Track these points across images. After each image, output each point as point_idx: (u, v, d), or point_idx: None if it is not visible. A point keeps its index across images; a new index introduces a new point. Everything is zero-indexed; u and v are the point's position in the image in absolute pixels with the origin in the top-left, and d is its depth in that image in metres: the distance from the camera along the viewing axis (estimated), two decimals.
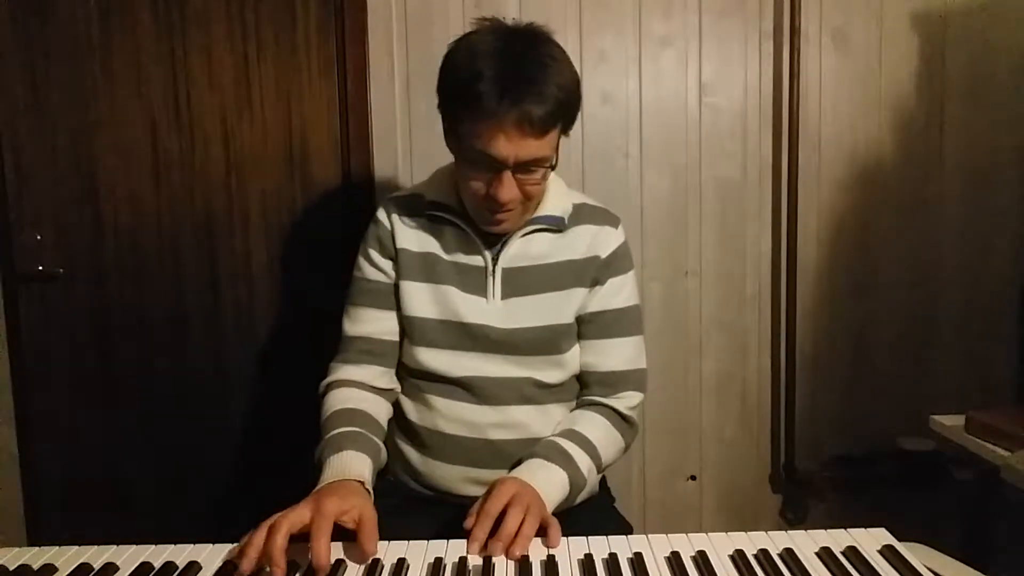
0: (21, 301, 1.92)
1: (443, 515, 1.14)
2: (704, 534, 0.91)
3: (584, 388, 1.26)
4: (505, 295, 1.20)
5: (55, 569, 0.86)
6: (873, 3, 1.92)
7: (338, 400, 1.16)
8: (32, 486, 1.97)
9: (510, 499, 0.95)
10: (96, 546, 0.91)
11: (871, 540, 0.90)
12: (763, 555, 0.86)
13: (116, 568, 0.87)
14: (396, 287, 1.23)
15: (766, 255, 1.98)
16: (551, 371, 1.21)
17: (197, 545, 0.91)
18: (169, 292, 1.93)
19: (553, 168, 1.13)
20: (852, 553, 0.87)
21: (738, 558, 0.85)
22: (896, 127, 1.96)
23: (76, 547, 0.91)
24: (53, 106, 1.87)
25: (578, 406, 1.26)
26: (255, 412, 1.97)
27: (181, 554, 0.89)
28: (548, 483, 1.05)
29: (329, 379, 1.23)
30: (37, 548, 0.91)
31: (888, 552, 0.87)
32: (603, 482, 1.38)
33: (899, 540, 0.90)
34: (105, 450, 1.97)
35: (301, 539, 0.86)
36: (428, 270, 1.21)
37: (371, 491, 1.00)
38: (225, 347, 1.95)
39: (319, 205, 1.93)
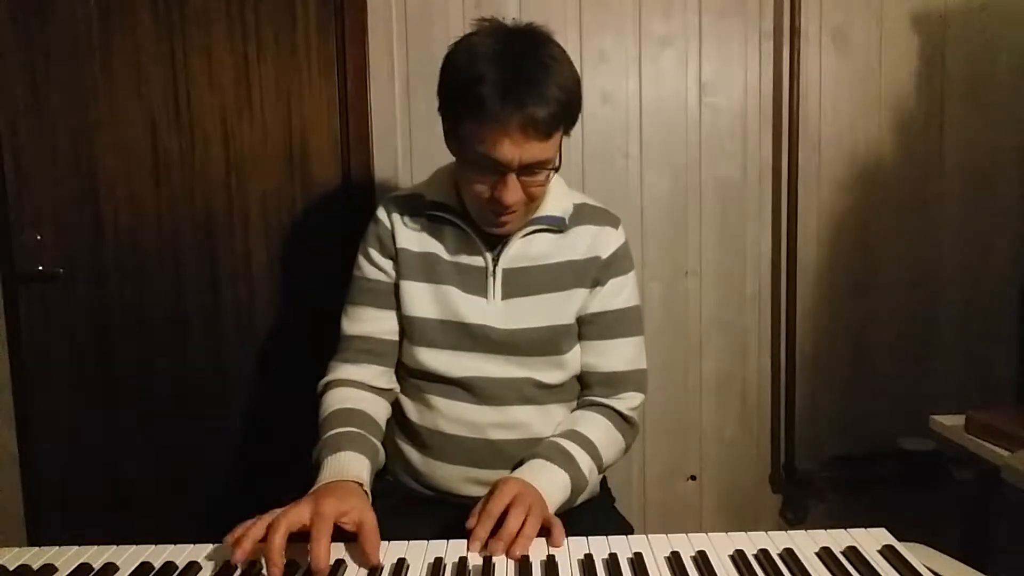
0: (21, 301, 1.92)
1: (444, 515, 1.14)
2: (704, 534, 0.91)
3: (585, 388, 1.26)
4: (505, 295, 1.20)
5: (55, 569, 0.86)
6: (873, 3, 1.92)
7: (337, 400, 1.16)
8: (32, 486, 1.97)
9: (512, 499, 0.95)
10: (96, 546, 0.91)
11: (871, 540, 0.90)
12: (763, 555, 0.86)
13: (116, 568, 0.86)
14: (396, 287, 1.23)
15: (766, 255, 1.98)
16: (551, 372, 1.21)
17: (197, 545, 0.90)
18: (169, 292, 1.93)
19: (557, 170, 1.13)
20: (852, 553, 0.87)
21: (738, 558, 0.85)
22: (896, 127, 1.96)
23: (76, 547, 0.91)
24: (53, 106, 1.87)
25: (579, 406, 1.26)
26: (255, 412, 1.97)
27: (181, 554, 0.89)
28: (550, 484, 1.05)
29: (328, 378, 1.22)
30: (37, 548, 0.91)
31: (888, 552, 0.87)
32: (603, 482, 1.38)
33: (899, 540, 0.90)
34: (105, 450, 1.97)
35: (298, 538, 0.86)
36: (428, 270, 1.21)
37: (369, 493, 1.00)
38: (225, 347, 1.95)
39: (319, 205, 1.93)
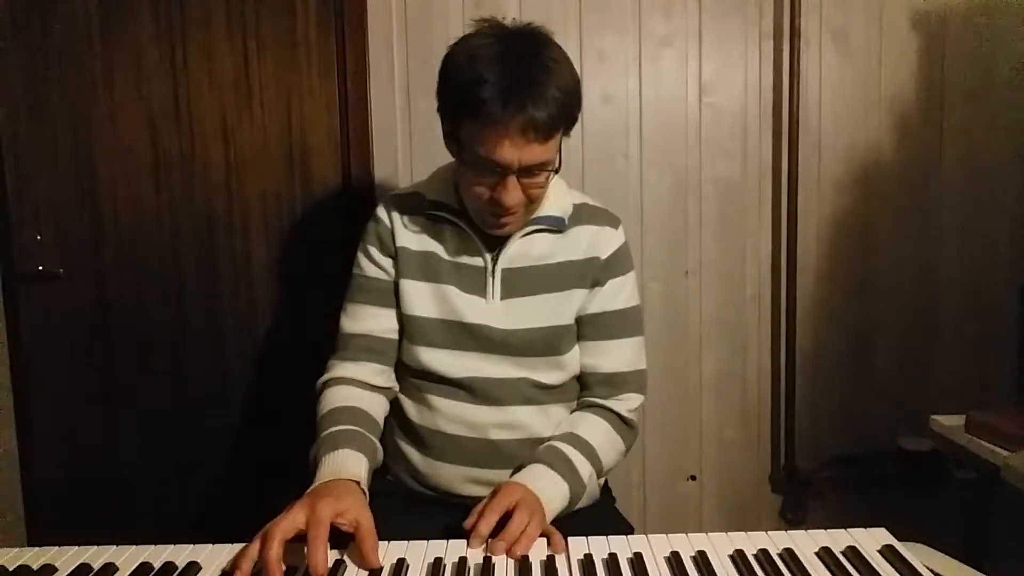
0: (21, 301, 1.92)
1: (444, 515, 1.14)
2: (704, 534, 0.91)
3: (584, 389, 1.26)
4: (505, 295, 1.19)
5: (55, 569, 0.86)
6: (873, 3, 1.92)
7: (335, 398, 1.16)
8: (32, 486, 1.97)
9: (516, 502, 0.95)
10: (96, 546, 0.91)
11: (871, 540, 0.90)
12: (763, 555, 0.86)
13: (116, 568, 0.86)
14: (396, 285, 1.23)
15: (766, 255, 1.98)
16: (551, 372, 1.21)
17: (197, 545, 0.90)
18: (169, 292, 1.93)
19: (557, 171, 1.13)
20: (852, 553, 0.87)
21: (738, 558, 0.85)
22: (896, 127, 1.96)
23: (76, 547, 0.91)
24: (53, 106, 1.87)
25: (578, 408, 1.25)
26: (255, 412, 1.97)
27: (181, 554, 0.89)
28: (551, 493, 1.05)
29: (326, 376, 1.22)
30: (37, 548, 0.91)
31: (888, 552, 0.87)
32: (605, 483, 1.38)
33: (899, 540, 0.90)
34: (105, 450, 1.97)
35: (298, 539, 0.86)
36: (428, 269, 1.21)
37: (366, 491, 1.00)
38: (225, 347, 1.95)
39: (319, 205, 1.93)
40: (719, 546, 0.89)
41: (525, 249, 1.20)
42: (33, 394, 1.95)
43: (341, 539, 0.89)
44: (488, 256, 1.20)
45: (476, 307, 1.19)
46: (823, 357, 2.01)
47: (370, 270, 1.24)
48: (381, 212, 1.26)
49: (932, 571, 0.83)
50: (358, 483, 0.98)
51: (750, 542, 0.90)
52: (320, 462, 1.02)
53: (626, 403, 1.24)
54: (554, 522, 1.03)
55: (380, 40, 1.87)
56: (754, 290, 1.99)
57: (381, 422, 1.20)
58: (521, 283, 1.20)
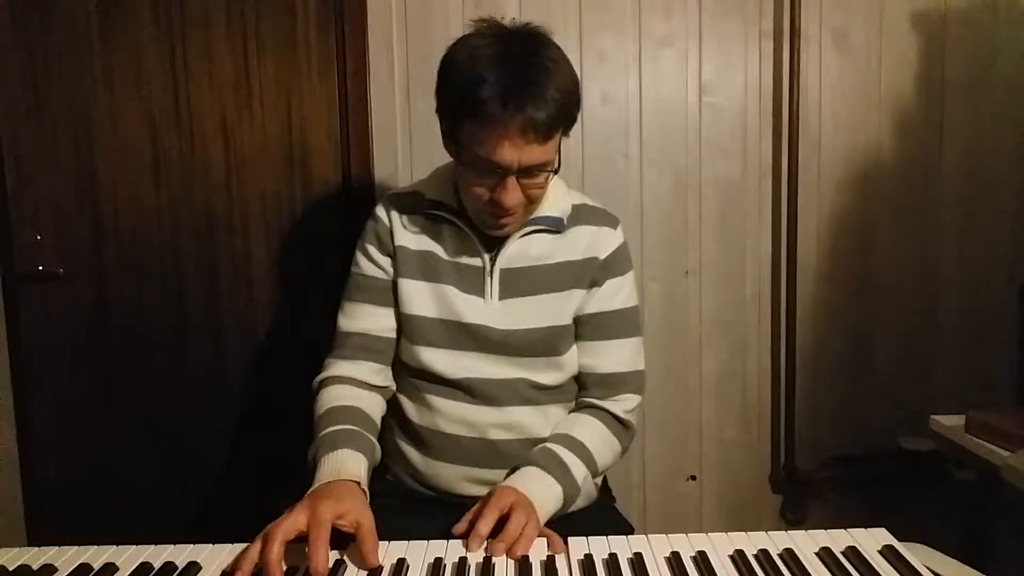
0: (21, 301, 1.92)
1: (444, 515, 1.14)
2: (704, 534, 0.91)
3: (582, 390, 1.26)
4: (503, 296, 1.19)
5: (55, 569, 0.86)
6: (873, 3, 1.92)
7: (332, 397, 1.16)
8: (32, 486, 1.97)
9: (511, 504, 0.96)
10: (96, 546, 0.91)
11: (871, 540, 0.90)
12: (763, 555, 0.86)
13: (116, 568, 0.86)
14: (394, 284, 1.23)
15: (766, 255, 1.98)
16: (549, 372, 1.21)
17: (197, 545, 0.90)
18: (169, 292, 1.93)
19: (556, 171, 1.13)
20: (852, 553, 0.87)
21: (738, 558, 0.85)
22: (896, 127, 1.96)
23: (76, 547, 0.91)
24: (53, 106, 1.87)
25: (575, 408, 1.25)
26: (255, 412, 1.97)
27: (181, 554, 0.89)
28: (545, 496, 1.05)
29: (323, 375, 1.22)
30: (37, 548, 0.91)
31: (888, 552, 0.87)
32: (604, 482, 1.38)
33: (899, 540, 0.90)
34: (105, 450, 1.97)
35: (298, 540, 0.86)
36: (426, 268, 1.21)
37: (366, 491, 1.00)
38: (225, 347, 1.95)
39: (319, 205, 1.93)
40: (719, 546, 0.89)
41: (524, 249, 1.20)
42: (33, 394, 1.95)
43: (342, 540, 0.89)
44: (487, 256, 1.20)
45: (474, 307, 1.19)
46: (823, 357, 2.01)
47: (368, 269, 1.24)
48: (380, 211, 1.26)
49: (932, 571, 0.83)
50: (358, 483, 0.98)
51: (750, 542, 0.90)
52: (319, 462, 1.02)
53: (622, 404, 1.23)
54: (554, 523, 1.03)
55: (380, 40, 1.87)
56: (754, 290, 1.99)
57: (379, 421, 1.20)
58: (519, 283, 1.20)
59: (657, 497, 2.04)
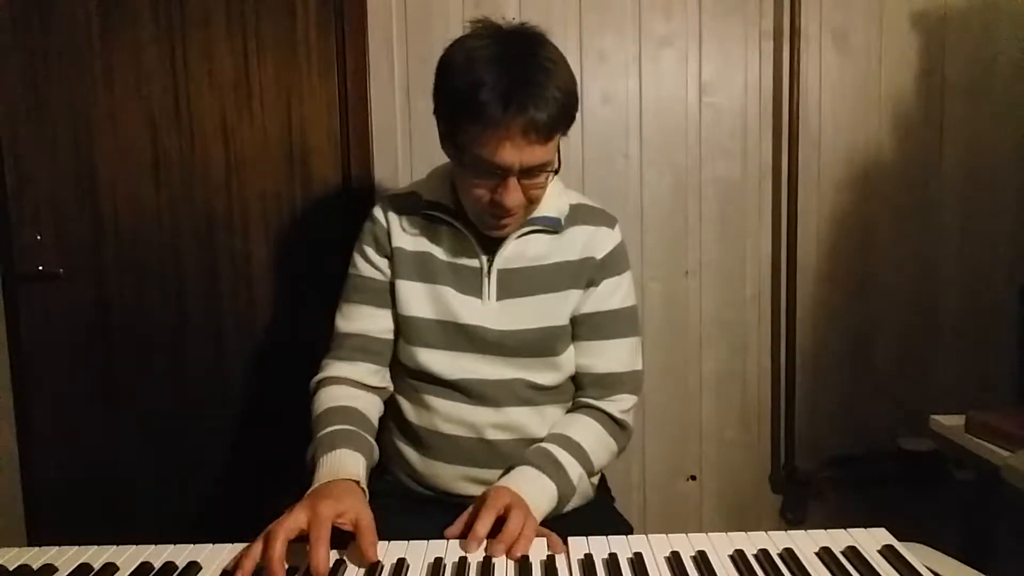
0: (21, 301, 1.92)
1: (443, 515, 1.14)
2: (704, 534, 0.91)
3: (578, 389, 1.26)
4: (500, 296, 1.19)
5: (55, 569, 0.86)
6: (873, 3, 1.92)
7: (330, 397, 1.16)
8: (32, 486, 1.97)
9: (507, 505, 0.96)
10: (96, 546, 0.91)
11: (871, 540, 0.90)
12: (763, 555, 0.86)
13: (116, 568, 0.86)
14: (391, 285, 1.23)
15: (766, 255, 1.98)
16: (546, 373, 1.21)
17: (197, 545, 0.90)
18: (169, 292, 1.93)
19: (556, 171, 1.13)
20: (852, 553, 0.87)
21: (738, 558, 0.85)
22: (896, 127, 1.96)
23: (76, 547, 0.91)
24: (53, 106, 1.87)
25: (572, 408, 1.25)
26: (255, 412, 1.97)
27: (181, 554, 0.89)
28: (538, 495, 1.05)
29: (320, 376, 1.22)
30: (37, 548, 0.91)
31: (888, 552, 0.87)
32: (603, 482, 1.38)
33: (899, 540, 0.90)
34: (105, 450, 1.97)
35: (298, 539, 0.86)
36: (423, 270, 1.21)
37: (366, 490, 1.00)
38: (225, 347, 1.95)
39: (319, 205, 1.93)
40: (719, 546, 0.89)
41: (521, 250, 1.20)
42: (33, 394, 1.95)
43: (342, 539, 0.89)
44: (484, 257, 1.20)
45: (471, 308, 1.19)
46: (823, 357, 2.01)
47: (366, 270, 1.24)
48: (377, 212, 1.26)
49: (932, 571, 0.83)
50: (357, 482, 0.99)
51: (750, 542, 0.90)
52: (318, 463, 1.02)
53: (619, 404, 1.23)
54: (553, 523, 1.03)
55: (380, 40, 1.87)
56: (754, 290, 1.99)
57: (376, 422, 1.20)
58: (517, 284, 1.20)
59: (657, 497, 2.04)
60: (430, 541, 0.92)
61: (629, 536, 0.92)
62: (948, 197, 1.97)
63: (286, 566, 0.83)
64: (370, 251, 1.24)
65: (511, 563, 0.88)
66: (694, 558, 0.86)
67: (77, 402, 1.95)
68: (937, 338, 2.01)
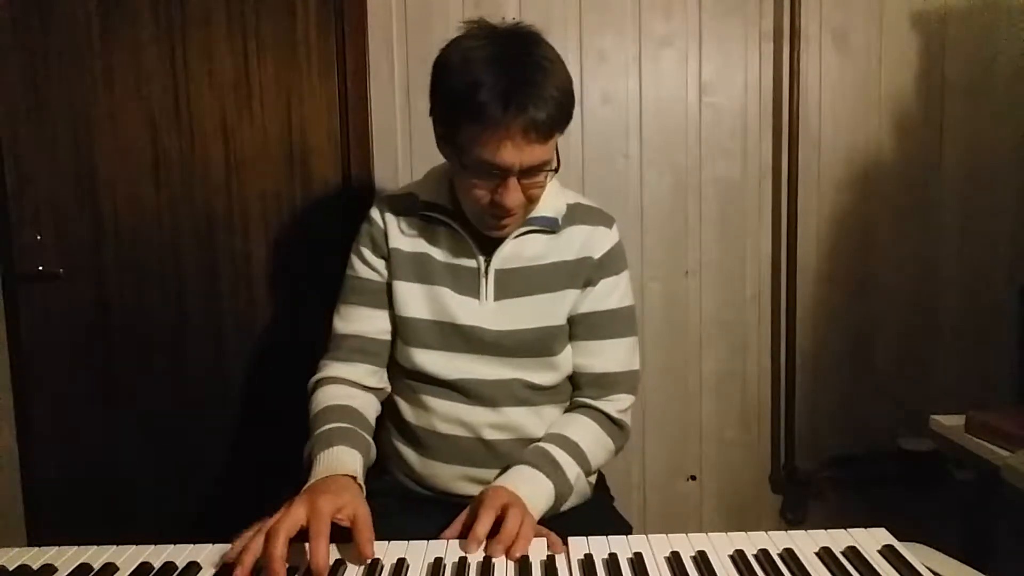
0: (21, 301, 1.92)
1: (441, 515, 1.14)
2: (704, 534, 0.91)
3: (575, 389, 1.26)
4: (498, 297, 1.19)
5: (55, 569, 0.86)
6: (873, 3, 1.92)
7: (327, 397, 1.16)
8: (32, 486, 1.97)
9: (503, 504, 0.96)
10: (96, 546, 0.91)
11: (871, 540, 0.90)
12: (763, 555, 0.86)
13: (116, 568, 0.86)
14: (389, 286, 1.23)
15: (766, 255, 1.98)
16: (544, 373, 1.21)
17: (197, 545, 0.90)
18: (169, 292, 1.93)
19: (556, 170, 1.13)
20: (852, 553, 0.87)
21: (738, 558, 0.85)
22: (896, 127, 1.96)
23: (76, 547, 0.91)
24: (53, 106, 1.87)
25: (569, 408, 1.25)
26: (255, 412, 1.97)
27: (181, 554, 0.89)
28: (535, 493, 1.05)
29: (318, 376, 1.23)
30: (37, 548, 0.91)
31: (888, 552, 0.87)
32: (603, 481, 1.38)
33: (899, 540, 0.90)
34: (105, 450, 1.97)
35: (298, 538, 0.86)
36: (421, 270, 1.21)
37: (363, 486, 1.00)
38: (225, 347, 1.95)
39: (319, 205, 1.93)
40: (719, 546, 0.89)
41: (518, 250, 1.20)
42: (33, 394, 1.95)
43: (341, 537, 0.89)
44: (481, 257, 1.20)
45: (469, 308, 1.19)
46: (823, 357, 2.01)
47: (363, 271, 1.24)
48: (374, 213, 1.26)
49: (932, 571, 0.83)
50: (354, 478, 0.99)
51: (750, 542, 0.90)
52: (315, 460, 1.02)
53: (616, 404, 1.23)
54: (552, 522, 1.03)
55: (380, 40, 1.87)
56: (754, 290, 1.99)
57: (373, 421, 1.20)
58: (514, 284, 1.20)
59: (657, 497, 2.04)
60: (430, 541, 0.92)
61: (629, 536, 0.92)
62: (948, 197, 1.97)
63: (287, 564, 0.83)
64: (367, 252, 1.24)
65: (511, 563, 0.87)
66: (694, 558, 0.86)
67: (77, 402, 1.95)
68: (937, 338, 2.01)
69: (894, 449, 1.96)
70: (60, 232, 1.91)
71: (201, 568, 0.86)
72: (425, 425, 1.21)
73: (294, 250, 1.94)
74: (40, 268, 1.90)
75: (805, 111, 1.92)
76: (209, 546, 0.90)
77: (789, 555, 0.86)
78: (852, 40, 1.93)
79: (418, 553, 0.89)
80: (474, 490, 1.14)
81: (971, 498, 1.74)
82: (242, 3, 1.86)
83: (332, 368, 1.23)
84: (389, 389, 1.26)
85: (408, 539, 0.91)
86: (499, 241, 1.19)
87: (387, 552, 0.89)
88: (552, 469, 1.10)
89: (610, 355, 1.23)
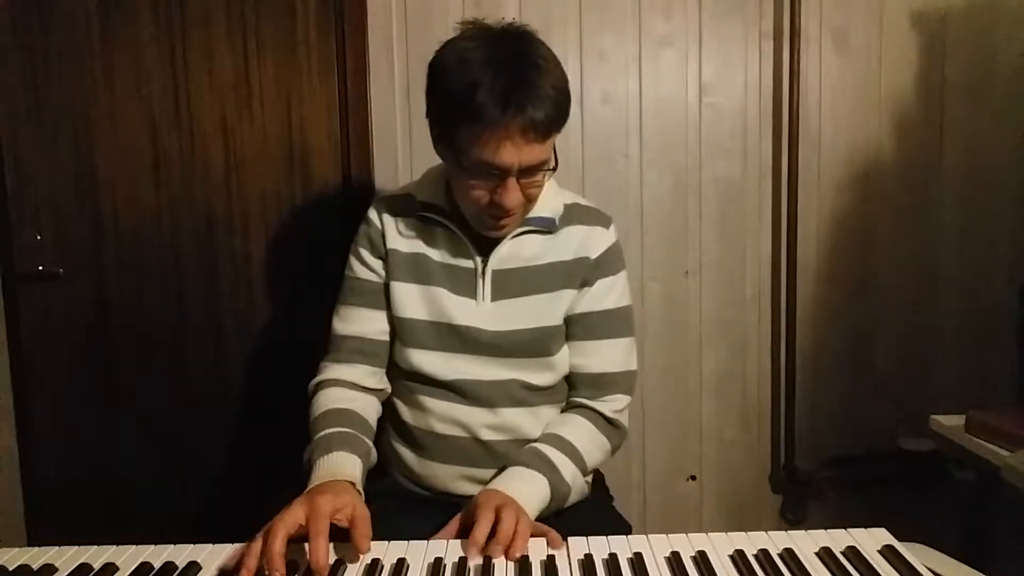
0: (21, 301, 1.92)
1: (440, 515, 1.14)
2: (704, 534, 0.91)
3: (571, 389, 1.26)
4: (495, 297, 1.19)
5: (55, 569, 0.86)
6: (873, 3, 1.92)
7: (328, 400, 1.16)
8: (32, 486, 1.97)
9: (498, 506, 0.95)
10: (96, 546, 0.91)
11: (871, 540, 0.90)
12: (763, 555, 0.86)
13: (116, 568, 0.87)
14: (386, 287, 1.23)
15: (766, 255, 1.98)
16: (541, 373, 1.21)
17: (197, 545, 0.90)
18: (169, 292, 1.93)
19: (554, 170, 1.13)
20: (852, 553, 0.87)
21: (738, 558, 0.85)
22: (896, 127, 1.96)
23: (76, 547, 0.91)
24: (53, 106, 1.87)
25: (565, 408, 1.25)
26: (255, 412, 1.97)
27: (181, 554, 0.89)
28: (529, 492, 1.05)
29: (319, 378, 1.23)
30: (37, 548, 0.91)
31: (888, 552, 0.87)
32: (602, 481, 1.38)
33: (899, 540, 0.90)
34: (105, 450, 1.97)
35: (297, 539, 0.86)
36: (418, 271, 1.21)
37: (362, 492, 1.00)
38: (225, 347, 1.95)
39: (319, 205, 1.93)
40: (719, 546, 0.89)
41: (515, 250, 1.20)
42: (33, 394, 1.95)
43: (340, 537, 0.89)
44: (478, 258, 1.20)
45: (466, 309, 1.19)
46: (823, 357, 2.01)
47: (361, 272, 1.24)
48: (372, 214, 1.26)
49: (932, 571, 0.83)
50: (353, 484, 0.99)
51: (750, 542, 0.90)
52: (315, 465, 1.03)
53: (611, 404, 1.23)
54: (552, 522, 1.03)
55: (380, 40, 1.87)
56: (754, 290, 1.99)
57: (374, 423, 1.20)
58: (511, 284, 1.20)
59: (657, 497, 2.04)
60: (430, 541, 0.92)
61: (629, 536, 0.92)
62: (948, 197, 1.97)
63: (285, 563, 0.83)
64: (365, 253, 1.24)
65: (511, 563, 0.87)
66: (694, 558, 0.86)
67: (77, 402, 1.95)
68: (937, 338, 2.01)
69: (894, 449, 1.96)
70: (60, 232, 1.91)
71: (201, 568, 0.86)
72: (422, 426, 1.21)
73: (294, 250, 1.94)
74: (40, 268, 1.90)
75: (805, 111, 1.92)
76: (209, 546, 0.90)
77: (789, 555, 0.86)
78: (852, 40, 1.93)
79: (418, 553, 0.89)
80: (474, 490, 1.14)
81: (971, 498, 1.74)
82: (242, 3, 1.86)
83: (332, 370, 1.23)
84: (389, 390, 1.26)
85: (408, 539, 0.91)
86: (496, 242, 1.19)
87: (387, 552, 0.89)
88: (547, 468, 1.10)
89: (606, 355, 1.23)
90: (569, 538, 0.92)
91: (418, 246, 1.22)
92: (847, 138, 1.95)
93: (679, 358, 2.00)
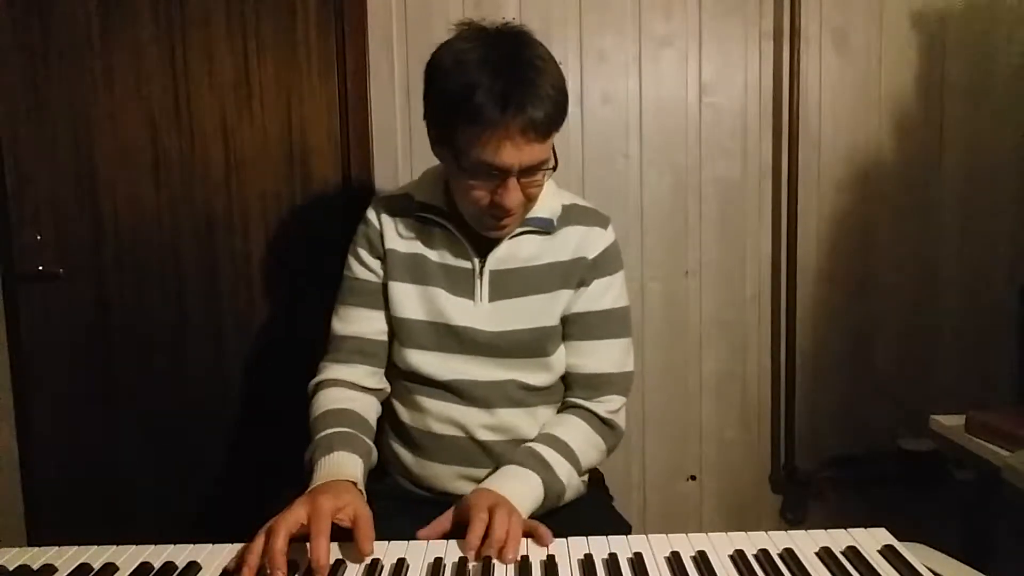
0: (21, 301, 1.92)
1: (439, 515, 1.14)
2: (704, 534, 0.91)
3: (567, 389, 1.26)
4: (492, 298, 1.19)
5: (55, 569, 0.86)
6: (873, 3, 1.92)
7: (328, 400, 1.17)
8: (32, 486, 1.97)
9: (490, 507, 0.95)
10: (96, 546, 0.91)
11: (871, 540, 0.90)
12: (763, 555, 0.86)
13: (116, 568, 0.87)
14: (385, 287, 1.23)
15: (766, 255, 1.98)
16: (538, 373, 1.21)
17: (197, 545, 0.91)
18: (169, 292, 1.93)
19: (554, 169, 1.13)
20: (852, 553, 0.87)
21: (738, 558, 0.85)
22: (896, 127, 1.96)
23: (76, 547, 0.91)
24: (53, 106, 1.87)
25: (560, 409, 1.25)
26: (255, 412, 1.97)
27: (181, 554, 0.89)
28: (521, 491, 1.05)
29: (318, 379, 1.23)
30: (37, 548, 0.91)
31: (888, 552, 0.87)
32: (602, 481, 1.38)
33: (899, 540, 0.90)
34: (105, 450, 1.97)
35: (298, 539, 0.86)
36: (416, 271, 1.21)
37: (363, 491, 1.00)
38: (225, 347, 1.95)
39: (319, 205, 1.93)
40: (719, 546, 0.89)
41: (513, 251, 1.20)
42: (33, 394, 1.95)
43: (342, 537, 0.89)
44: (476, 259, 1.20)
45: (463, 309, 1.19)
46: (823, 357, 2.01)
47: (360, 272, 1.25)
48: (370, 214, 1.26)
49: (932, 571, 0.83)
50: (354, 484, 0.99)
51: (750, 542, 0.90)
52: (316, 465, 1.03)
53: (606, 404, 1.23)
54: (552, 523, 1.03)
55: (380, 40, 1.87)
56: (754, 290, 1.99)
57: (374, 423, 1.20)
58: (509, 285, 1.20)
59: (657, 497, 2.04)
60: (430, 541, 0.92)
61: (629, 536, 0.92)
62: (948, 197, 1.97)
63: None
64: (364, 253, 1.25)
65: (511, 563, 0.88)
66: (694, 558, 0.86)
67: (77, 402, 1.95)
68: (937, 338, 2.01)
69: (894, 449, 1.96)
70: (60, 232, 1.91)
71: (201, 568, 0.86)
72: (420, 426, 1.21)
73: (294, 250, 1.94)
74: (40, 268, 1.90)
75: (805, 111, 1.92)
76: (209, 546, 0.90)
77: (789, 555, 0.86)
78: (852, 40, 1.93)
79: (418, 553, 0.89)
80: (471, 490, 1.14)
81: (971, 498, 1.74)
82: (242, 3, 1.86)
83: (331, 370, 1.23)
84: (389, 390, 1.26)
85: (408, 540, 0.91)
86: (494, 242, 1.19)
87: (387, 552, 0.89)
88: (541, 467, 1.10)
89: (603, 355, 1.23)
90: (569, 538, 0.92)
91: (416, 246, 1.22)
92: (847, 138, 1.95)
93: (679, 358, 2.00)
